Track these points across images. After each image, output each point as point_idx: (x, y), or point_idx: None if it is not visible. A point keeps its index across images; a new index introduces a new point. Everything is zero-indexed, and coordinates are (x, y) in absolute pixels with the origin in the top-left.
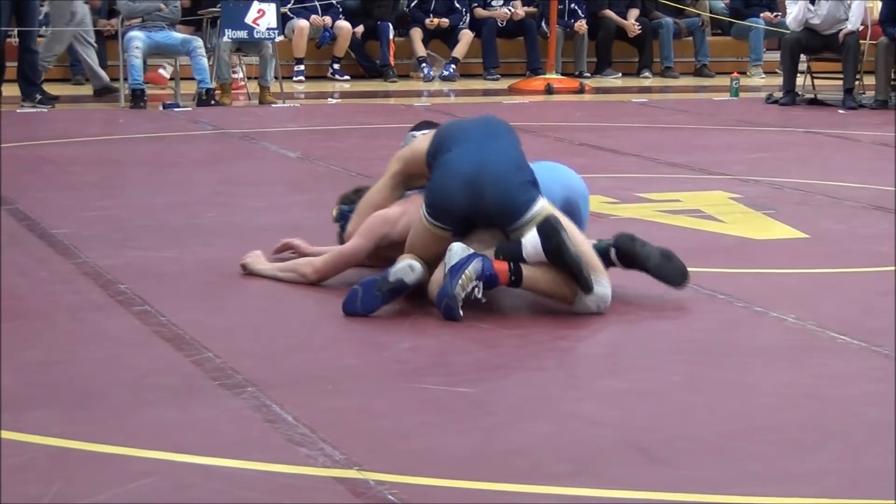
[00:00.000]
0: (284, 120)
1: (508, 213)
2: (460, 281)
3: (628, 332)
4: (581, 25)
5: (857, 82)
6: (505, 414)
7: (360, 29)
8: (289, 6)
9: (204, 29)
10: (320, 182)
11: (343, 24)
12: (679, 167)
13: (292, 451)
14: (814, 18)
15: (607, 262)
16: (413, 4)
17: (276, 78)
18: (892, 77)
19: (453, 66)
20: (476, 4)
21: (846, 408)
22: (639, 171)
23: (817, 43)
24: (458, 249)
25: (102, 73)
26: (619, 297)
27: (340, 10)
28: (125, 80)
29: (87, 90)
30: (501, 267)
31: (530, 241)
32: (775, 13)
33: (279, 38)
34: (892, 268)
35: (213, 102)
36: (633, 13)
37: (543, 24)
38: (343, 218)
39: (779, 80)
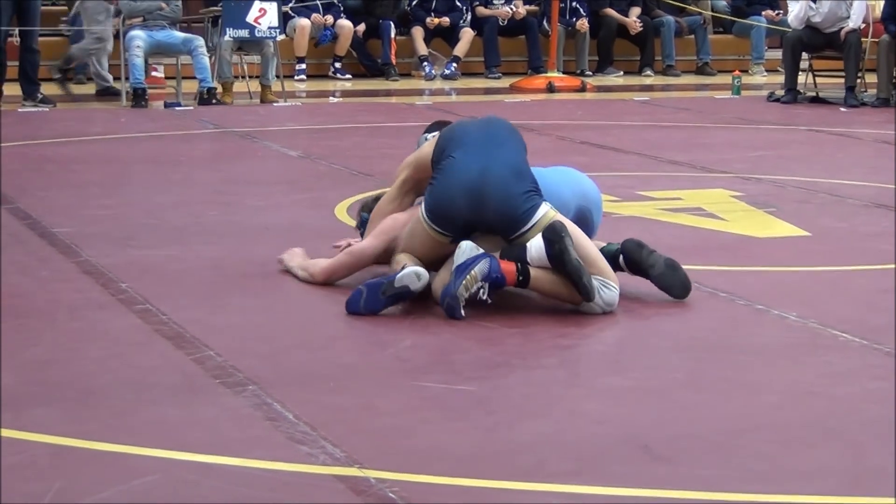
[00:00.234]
0: (286, 119)
1: (510, 223)
2: (464, 281)
3: (630, 330)
4: (582, 24)
5: (858, 80)
6: (507, 412)
7: (361, 27)
8: (290, 5)
9: (205, 28)
10: (322, 181)
11: (344, 23)
12: (680, 165)
13: (293, 449)
14: (815, 16)
15: (615, 267)
16: (414, 3)
17: (277, 77)
18: (894, 75)
19: (455, 64)
20: (477, 3)
21: (848, 406)
22: (640, 170)
23: (819, 41)
24: (467, 248)
25: (108, 74)
26: (621, 296)
27: (342, 8)
28: (126, 79)
29: (88, 89)
30: (509, 268)
31: (535, 246)
32: (777, 11)
33: (280, 37)
34: (893, 266)
35: (214, 101)
36: (635, 11)
37: (545, 22)
38: (363, 224)
39: (780, 79)
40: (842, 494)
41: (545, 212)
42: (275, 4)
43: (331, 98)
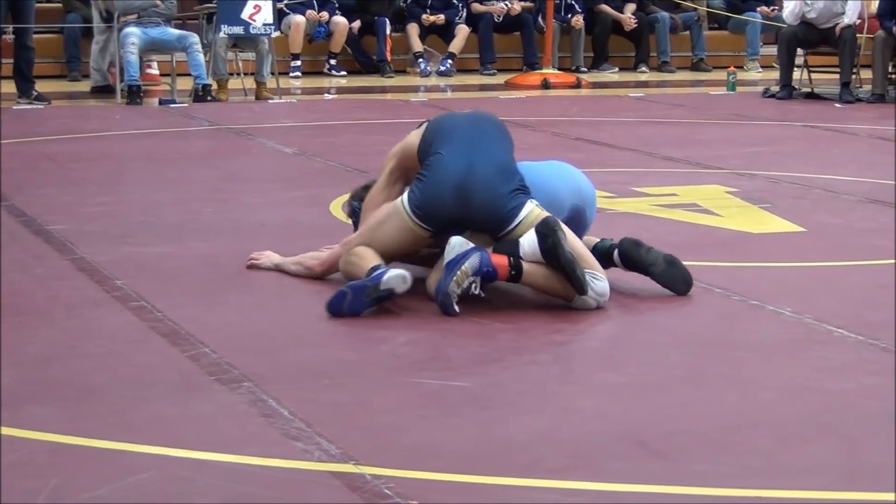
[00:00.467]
0: (281, 115)
1: (496, 221)
2: (455, 277)
3: (625, 325)
4: (577, 20)
5: (853, 76)
6: (502, 408)
7: (356, 24)
8: (285, 2)
9: (200, 25)
10: (317, 178)
11: (339, 20)
12: (676, 161)
13: (289, 445)
14: (810, 12)
15: (609, 263)
16: (410, 0)
17: (272, 73)
18: (889, 71)
19: (450, 61)
20: None
21: (844, 401)
22: (635, 166)
23: (814, 37)
24: (457, 244)
25: (106, 73)
26: (616, 292)
27: (337, 5)
28: (121, 76)
29: (82, 87)
30: (501, 262)
31: (528, 241)
32: (772, 7)
33: (275, 34)
34: (890, 261)
35: (209, 98)
36: (630, 7)
37: (540, 18)
38: (355, 214)
39: (775, 75)
40: (838, 490)
41: (531, 209)
42: (269, 1)
43: (326, 95)
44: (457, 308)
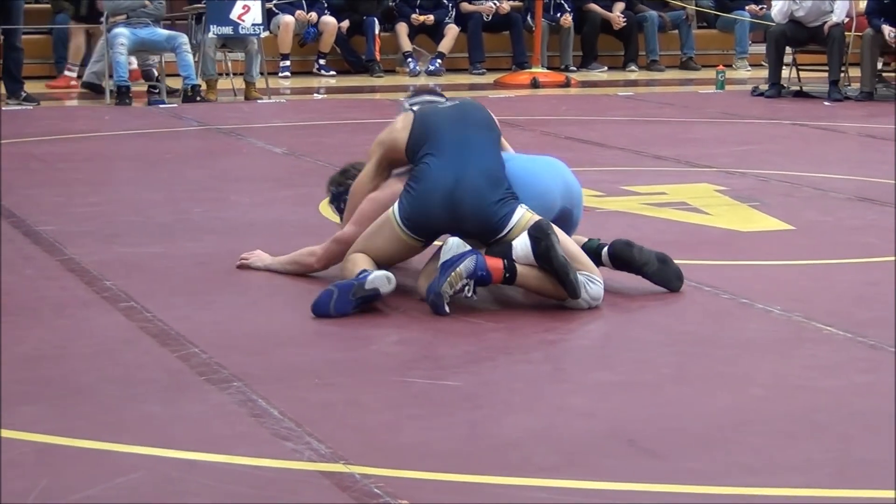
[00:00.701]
0: (270, 116)
1: (487, 230)
2: (449, 279)
3: (615, 324)
4: (566, 19)
5: (842, 74)
6: (493, 407)
7: (345, 24)
8: (274, 2)
9: (189, 25)
10: (306, 177)
11: (328, 20)
12: (665, 160)
13: (278, 445)
14: (799, 11)
15: (598, 263)
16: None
17: (261, 74)
18: (878, 69)
19: (439, 60)
20: None
21: (834, 398)
22: (625, 164)
23: (802, 35)
24: (454, 245)
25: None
26: (606, 290)
27: (326, 5)
28: (110, 76)
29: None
30: (495, 265)
31: (520, 244)
32: (760, 6)
33: (264, 34)
34: (878, 259)
35: (198, 98)
36: (619, 6)
37: (529, 18)
38: (337, 199)
39: (764, 73)
40: (829, 487)
41: (522, 214)
42: (258, 2)
43: (315, 95)
44: (447, 308)
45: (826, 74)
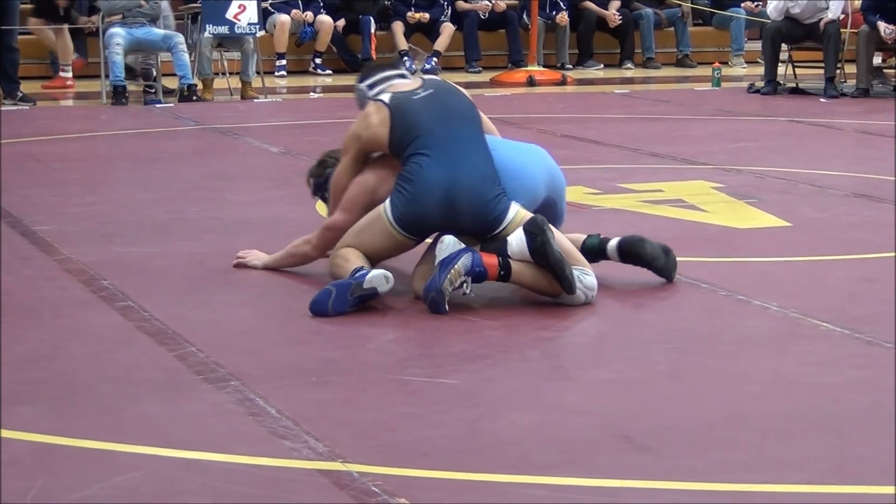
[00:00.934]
0: (266, 115)
1: (483, 227)
2: (449, 276)
3: (612, 321)
4: (562, 17)
5: (838, 71)
6: (490, 405)
7: (341, 23)
8: (270, 1)
9: (185, 25)
10: (303, 176)
11: (324, 19)
12: (661, 157)
13: (276, 444)
14: (794, 8)
15: (600, 258)
16: None
17: (257, 73)
18: (873, 65)
19: (435, 59)
20: None
21: (830, 395)
22: (621, 162)
23: (798, 32)
24: (450, 242)
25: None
26: (602, 288)
27: (321, 4)
28: (106, 76)
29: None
30: (491, 261)
31: (516, 240)
32: (756, 3)
33: (260, 33)
34: (874, 255)
35: (194, 98)
36: (614, 4)
37: (525, 16)
38: (320, 189)
39: (760, 70)
40: (826, 483)
41: (516, 211)
42: (254, 1)
43: (311, 94)
44: (447, 307)
45: (822, 71)
